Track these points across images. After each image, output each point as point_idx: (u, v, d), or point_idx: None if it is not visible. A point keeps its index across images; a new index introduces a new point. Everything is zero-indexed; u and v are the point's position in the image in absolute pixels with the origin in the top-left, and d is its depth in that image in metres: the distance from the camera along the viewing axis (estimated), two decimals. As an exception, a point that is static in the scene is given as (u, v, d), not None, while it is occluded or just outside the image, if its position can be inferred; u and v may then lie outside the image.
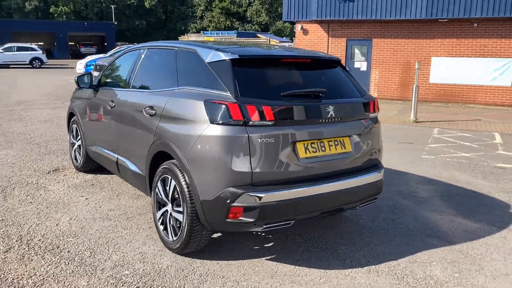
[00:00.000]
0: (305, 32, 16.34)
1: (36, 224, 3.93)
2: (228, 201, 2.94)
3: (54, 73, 25.71)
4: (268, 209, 2.96)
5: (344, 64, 3.96)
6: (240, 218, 2.96)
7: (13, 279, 2.99)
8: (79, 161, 5.54)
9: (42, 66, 30.36)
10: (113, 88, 4.63)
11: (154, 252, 3.46)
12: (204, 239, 3.30)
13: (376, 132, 3.70)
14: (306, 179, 3.16)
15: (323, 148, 3.25)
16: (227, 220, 2.98)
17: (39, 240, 3.62)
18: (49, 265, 3.21)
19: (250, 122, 2.95)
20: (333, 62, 3.73)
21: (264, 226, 3.05)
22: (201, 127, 3.06)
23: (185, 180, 3.15)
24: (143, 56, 4.28)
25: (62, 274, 3.08)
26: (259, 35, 42.27)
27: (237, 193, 2.92)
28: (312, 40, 16.24)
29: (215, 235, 3.74)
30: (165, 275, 3.12)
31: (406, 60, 14.96)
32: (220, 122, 2.97)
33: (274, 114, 3.01)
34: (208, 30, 52.75)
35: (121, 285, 2.97)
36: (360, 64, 15.87)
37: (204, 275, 3.14)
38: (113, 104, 4.37)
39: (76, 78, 5.11)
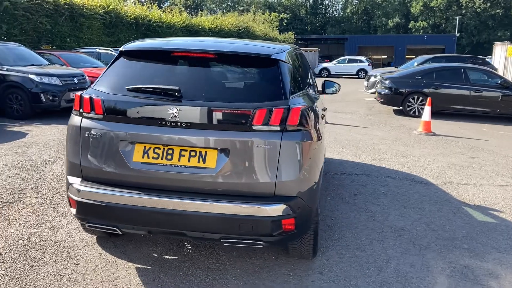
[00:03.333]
0: None
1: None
2: (66, 189, 2.93)
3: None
4: (85, 205, 2.76)
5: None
6: (71, 208, 2.90)
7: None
8: None
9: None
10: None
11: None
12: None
13: (275, 152, 2.59)
14: (139, 186, 2.69)
15: (169, 157, 2.64)
16: (71, 208, 2.97)
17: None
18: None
19: (84, 114, 2.82)
20: (262, 59, 2.87)
21: (87, 224, 2.85)
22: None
23: None
24: None
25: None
26: None
27: (68, 183, 2.88)
28: None
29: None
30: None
31: None
32: (74, 111, 2.96)
33: (103, 107, 2.74)
34: None
35: None
36: None
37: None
38: None
39: None
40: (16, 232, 3.54)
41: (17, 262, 3.11)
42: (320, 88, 4.80)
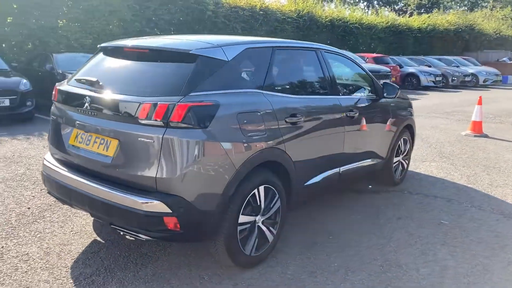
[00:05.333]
0: None
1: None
2: None
3: None
4: (43, 177, 3.32)
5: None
6: None
7: None
8: None
9: None
10: None
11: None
12: None
13: (157, 147, 2.61)
14: (71, 166, 3.12)
15: (88, 142, 2.99)
16: None
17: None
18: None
19: (53, 101, 3.40)
20: (183, 55, 2.90)
21: (49, 194, 3.38)
22: None
23: None
24: None
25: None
26: None
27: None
28: None
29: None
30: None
31: None
32: None
33: (57, 95, 3.30)
34: None
35: None
36: None
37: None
38: None
39: None
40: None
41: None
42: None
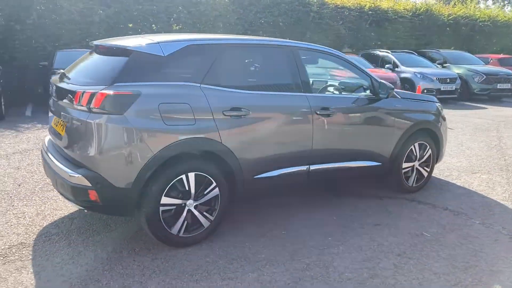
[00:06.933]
0: None
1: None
2: None
3: None
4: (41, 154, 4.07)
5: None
6: None
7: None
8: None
9: None
10: None
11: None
12: None
13: (83, 129, 3.06)
14: (53, 145, 3.75)
15: (57, 124, 3.55)
16: None
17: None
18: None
19: None
20: (124, 50, 3.30)
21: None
22: None
23: None
24: None
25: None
26: None
27: None
28: None
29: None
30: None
31: None
32: None
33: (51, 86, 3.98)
34: None
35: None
36: None
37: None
38: None
39: None
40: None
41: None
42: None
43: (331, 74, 5.02)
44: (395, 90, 4.60)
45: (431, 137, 4.80)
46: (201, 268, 3.08)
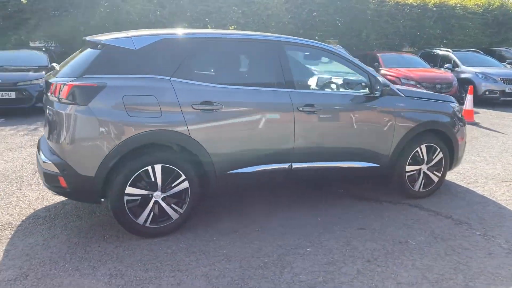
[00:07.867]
0: None
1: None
2: None
3: None
4: None
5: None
6: None
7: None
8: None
9: None
10: None
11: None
12: None
13: (55, 118, 3.27)
14: None
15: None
16: None
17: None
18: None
19: None
20: (102, 44, 3.44)
21: None
22: None
23: None
24: None
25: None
26: None
27: None
28: None
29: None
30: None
31: None
32: None
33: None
34: None
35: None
36: None
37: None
38: None
39: None
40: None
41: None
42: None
43: (332, 71, 4.81)
44: (399, 87, 4.33)
45: (443, 139, 4.43)
46: (157, 259, 3.12)
